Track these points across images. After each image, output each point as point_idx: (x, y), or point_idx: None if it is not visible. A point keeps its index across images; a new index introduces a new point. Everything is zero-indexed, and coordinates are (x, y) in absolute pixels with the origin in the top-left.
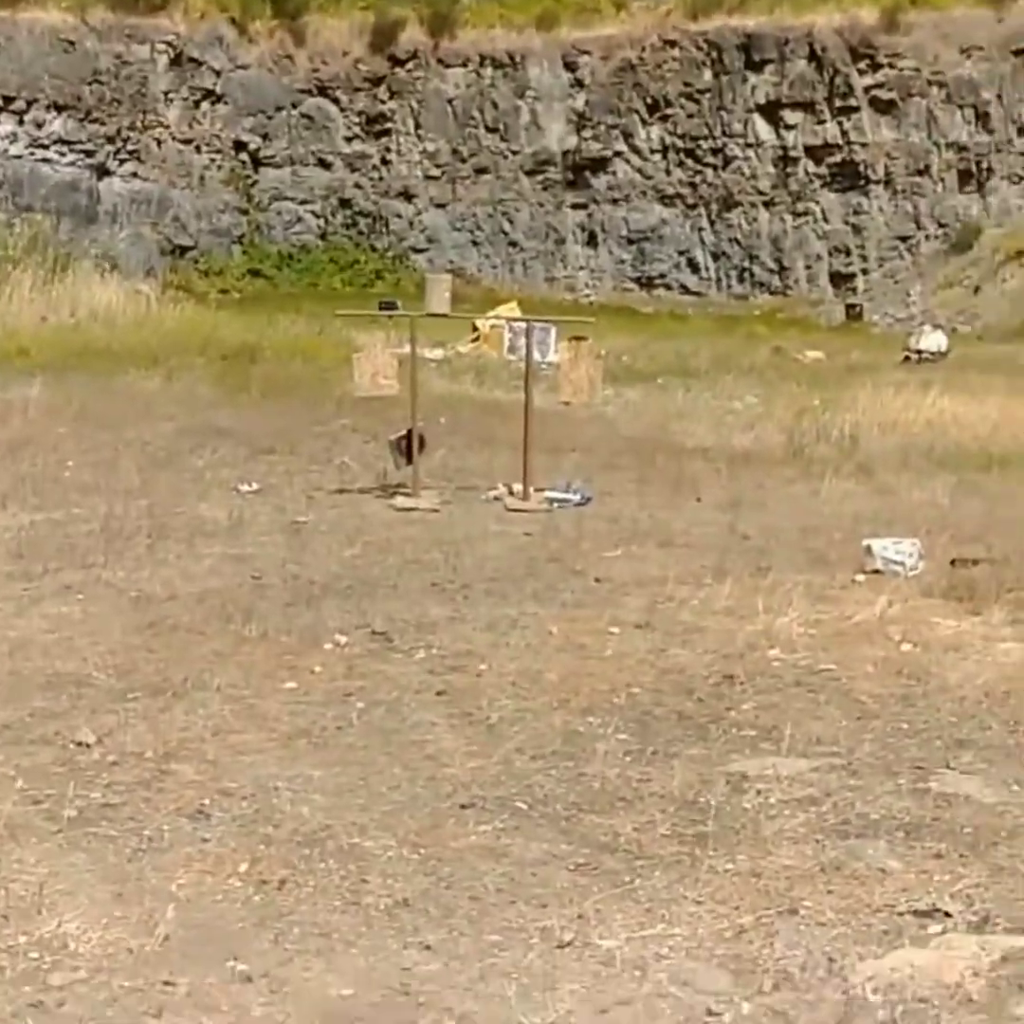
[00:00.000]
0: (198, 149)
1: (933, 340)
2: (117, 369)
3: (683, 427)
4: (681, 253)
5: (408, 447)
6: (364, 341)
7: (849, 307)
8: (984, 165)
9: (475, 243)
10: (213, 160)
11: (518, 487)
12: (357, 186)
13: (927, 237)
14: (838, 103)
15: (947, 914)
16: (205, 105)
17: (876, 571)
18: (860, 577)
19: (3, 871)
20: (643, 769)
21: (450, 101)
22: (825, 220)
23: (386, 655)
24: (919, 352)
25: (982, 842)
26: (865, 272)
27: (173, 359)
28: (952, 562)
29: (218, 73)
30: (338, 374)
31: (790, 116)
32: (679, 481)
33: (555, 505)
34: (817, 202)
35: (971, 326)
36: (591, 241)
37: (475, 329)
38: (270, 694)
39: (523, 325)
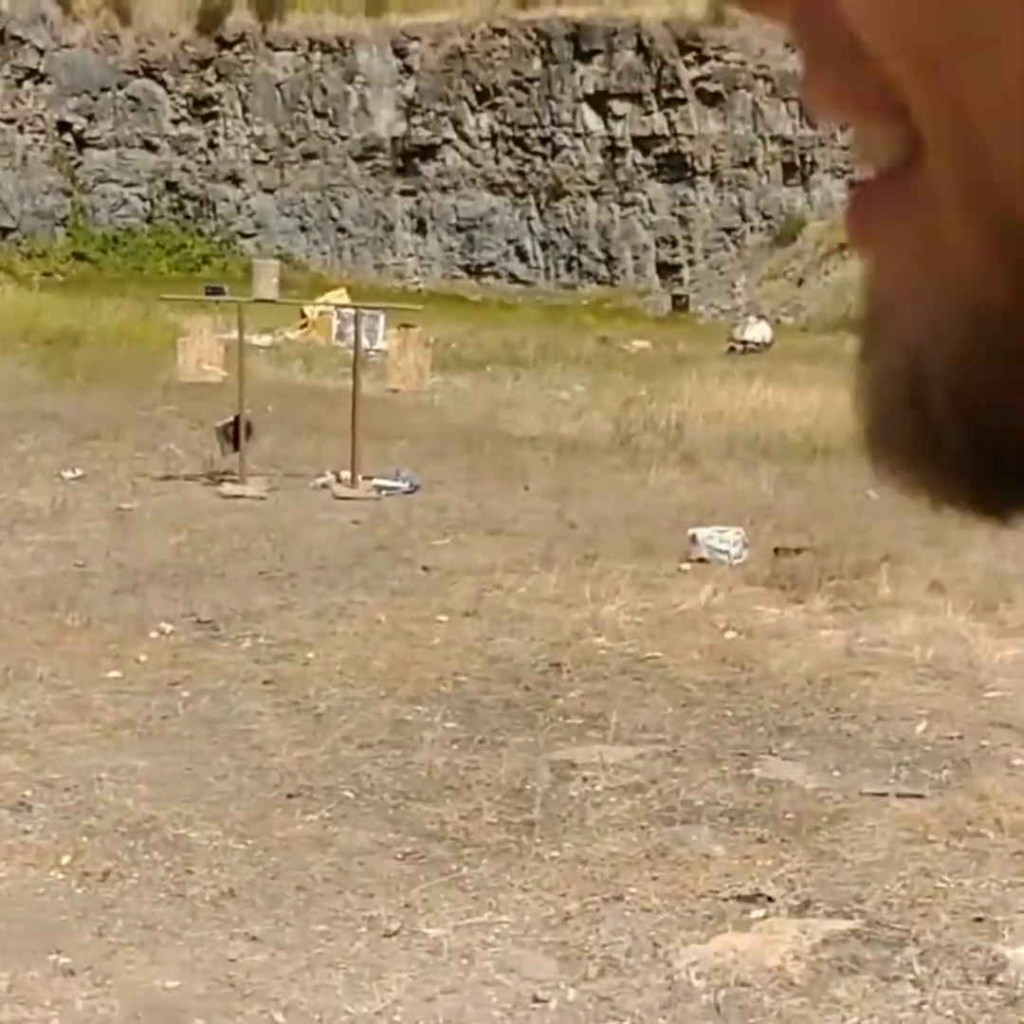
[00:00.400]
0: (21, 129)
1: (758, 331)
2: None
3: (511, 416)
4: (510, 242)
5: (235, 434)
6: (190, 326)
7: (675, 297)
8: (808, 159)
9: (303, 229)
10: (36, 140)
11: (346, 474)
12: (184, 169)
13: (752, 229)
14: (665, 95)
15: (769, 899)
16: (28, 84)
17: (701, 560)
18: (685, 566)
19: None
20: (470, 757)
21: (278, 85)
22: (652, 211)
23: (212, 644)
24: (744, 343)
25: (804, 827)
26: (691, 263)
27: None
28: (776, 551)
29: (41, 52)
30: (164, 359)
31: (618, 107)
32: (508, 469)
33: (383, 493)
34: (644, 193)
35: (795, 317)
36: (420, 228)
37: (303, 316)
38: (94, 684)
39: (351, 312)
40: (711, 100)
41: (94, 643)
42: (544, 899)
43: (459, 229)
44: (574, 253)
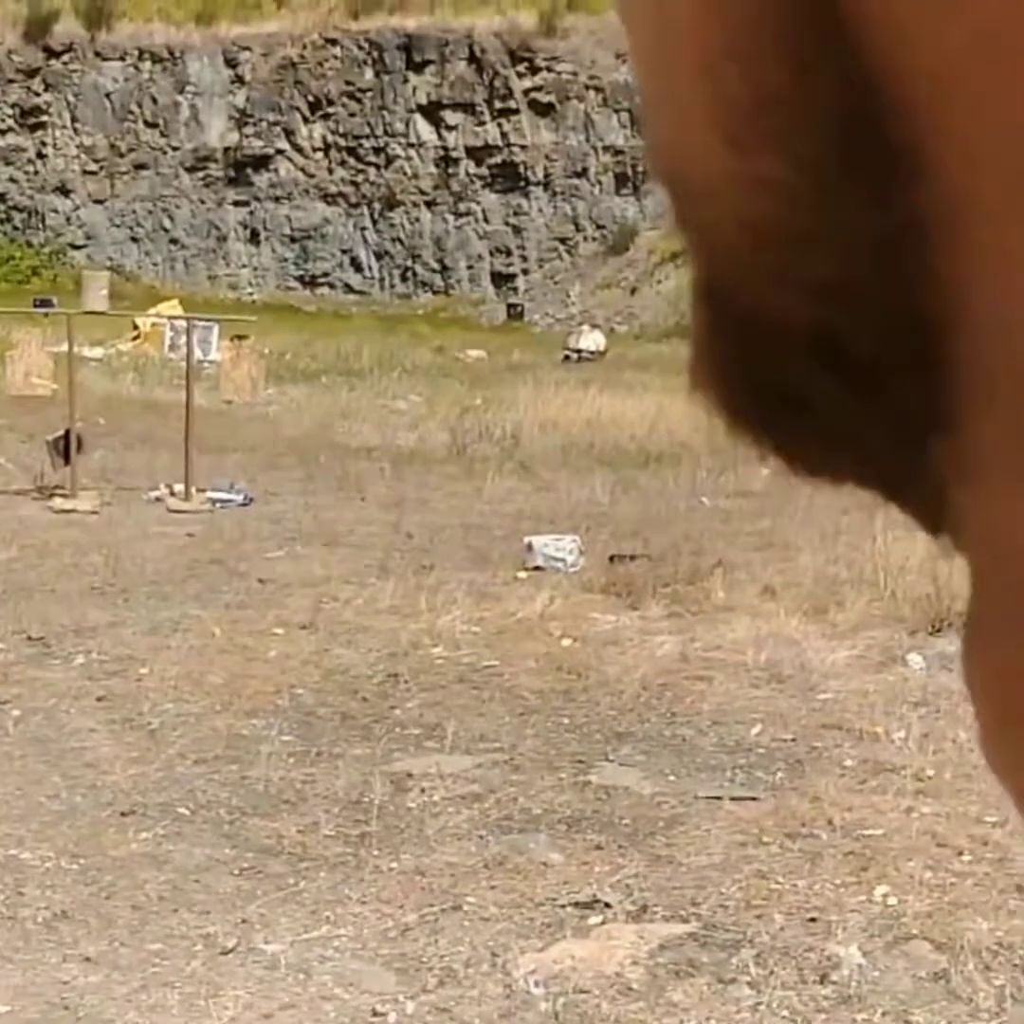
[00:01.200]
0: None
1: (591, 339)
2: None
3: (347, 426)
4: (344, 252)
5: (66, 447)
6: (18, 339)
7: (510, 307)
8: (640, 168)
9: (135, 240)
10: None
11: (180, 487)
12: (12, 180)
13: (585, 238)
14: (498, 105)
15: (607, 905)
16: None
17: (537, 568)
18: (522, 574)
19: None
20: (307, 771)
21: (108, 95)
22: (486, 221)
23: (43, 661)
24: (578, 351)
25: (640, 832)
26: (526, 272)
27: None
28: (611, 558)
29: None
30: None
31: (451, 117)
32: (344, 480)
33: (218, 505)
34: (478, 203)
35: (628, 326)
36: (253, 239)
37: (136, 327)
38: None
39: (184, 324)
40: (543, 111)
41: None
42: (382, 911)
43: (293, 240)
44: (409, 263)
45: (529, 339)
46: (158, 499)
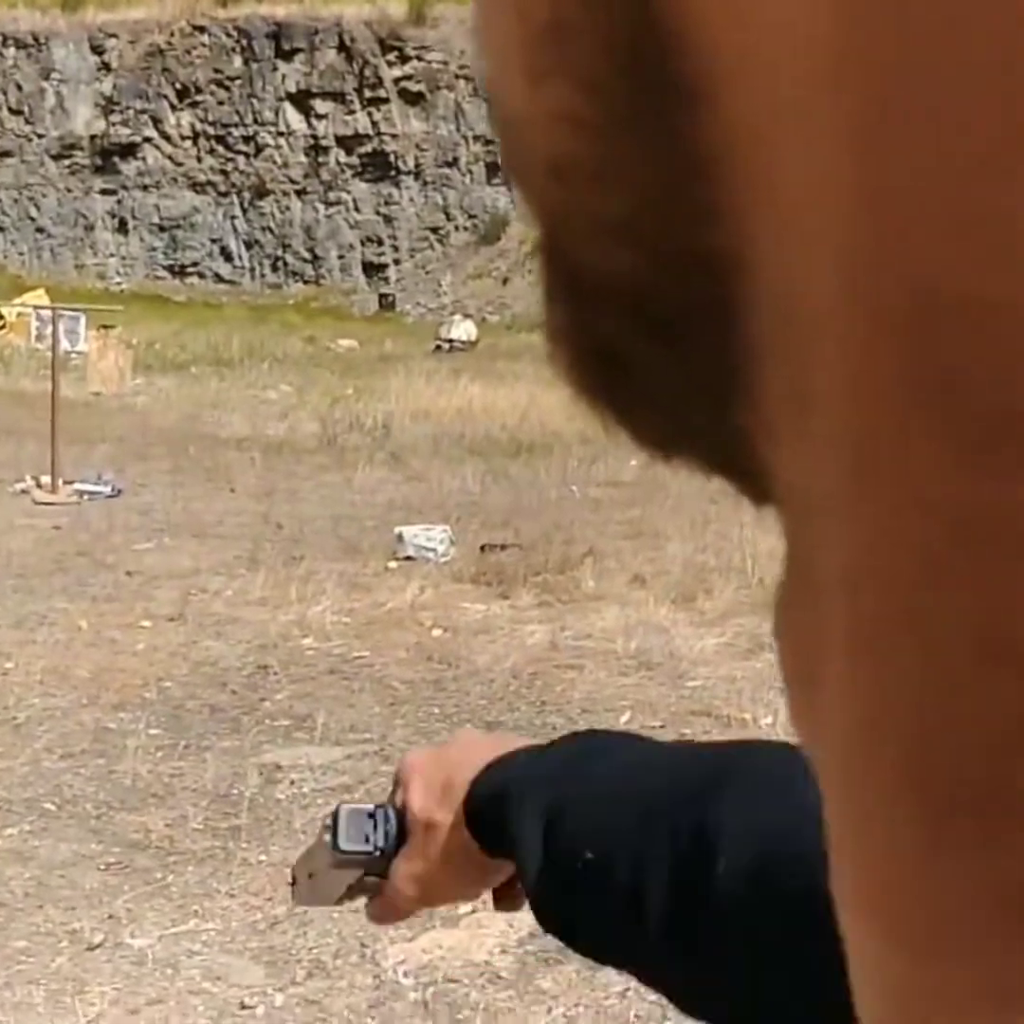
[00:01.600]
0: None
1: (463, 329)
2: None
3: (217, 417)
4: (214, 241)
5: None
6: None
7: (382, 297)
8: None
9: (0, 229)
10: None
11: (46, 479)
12: None
13: (457, 228)
14: (368, 94)
15: None
16: None
17: (408, 558)
18: (393, 564)
19: None
20: (175, 764)
21: None
22: (357, 210)
23: None
24: (450, 341)
25: None
26: (397, 262)
27: None
28: (482, 548)
29: None
30: None
31: (321, 105)
32: (213, 471)
33: (85, 497)
34: (349, 192)
35: (500, 316)
36: (121, 228)
37: (1, 317)
38: None
39: (50, 313)
40: (413, 99)
41: None
42: (251, 904)
43: (161, 229)
44: (279, 252)
45: (401, 329)
46: (24, 491)
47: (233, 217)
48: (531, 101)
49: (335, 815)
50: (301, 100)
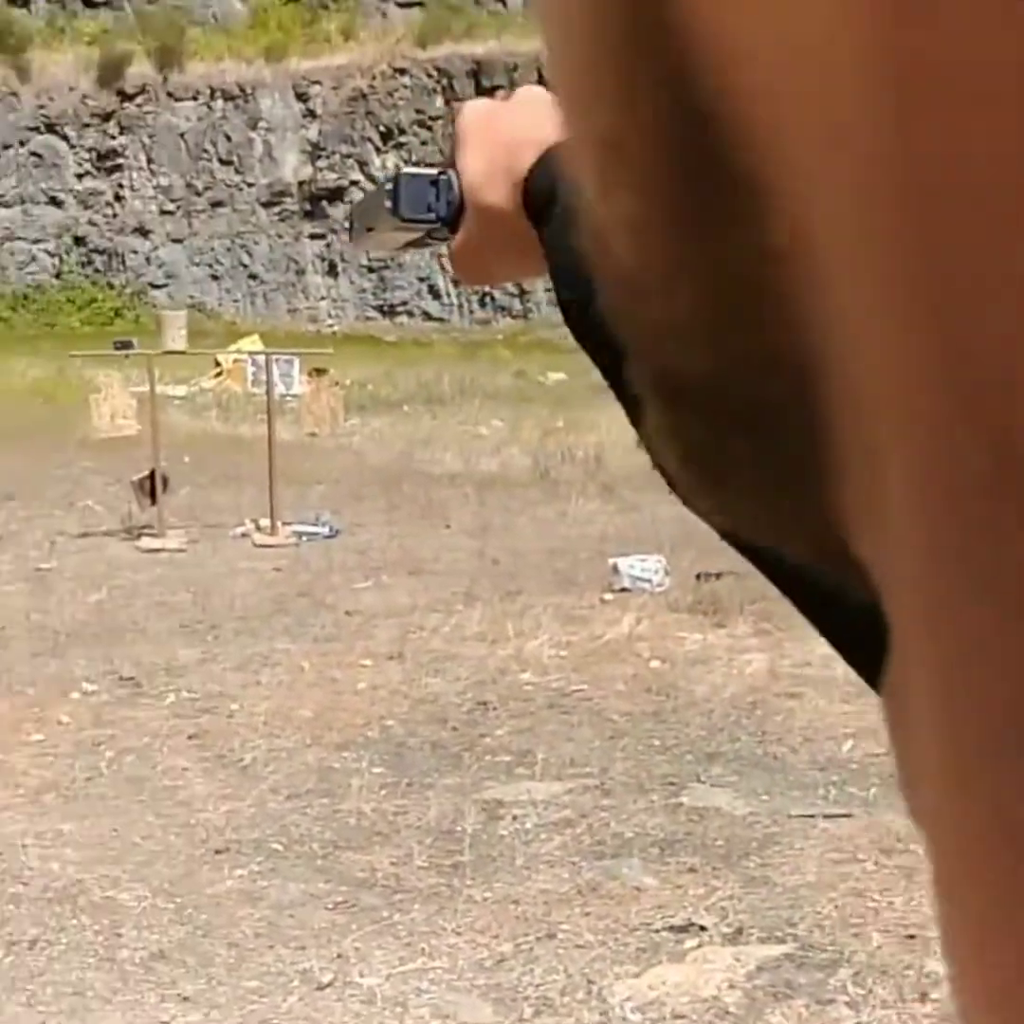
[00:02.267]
0: None
1: None
2: None
3: (430, 454)
4: (422, 280)
5: (151, 487)
6: (102, 382)
7: None
8: None
9: (214, 277)
10: None
11: (265, 522)
12: (91, 223)
13: None
14: None
15: (702, 928)
16: None
17: (624, 589)
18: (608, 596)
19: None
20: (398, 802)
21: (182, 135)
22: None
23: (135, 701)
24: None
25: (734, 854)
26: None
27: None
28: (697, 577)
29: None
30: (77, 416)
31: None
32: (428, 508)
33: (303, 539)
34: None
35: None
36: (331, 271)
37: (218, 364)
38: (15, 748)
39: (264, 358)
40: None
41: (15, 707)
42: (477, 941)
43: (370, 270)
44: (487, 289)
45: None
46: (244, 535)
47: (440, 256)
48: (603, 214)
49: (396, 179)
50: None
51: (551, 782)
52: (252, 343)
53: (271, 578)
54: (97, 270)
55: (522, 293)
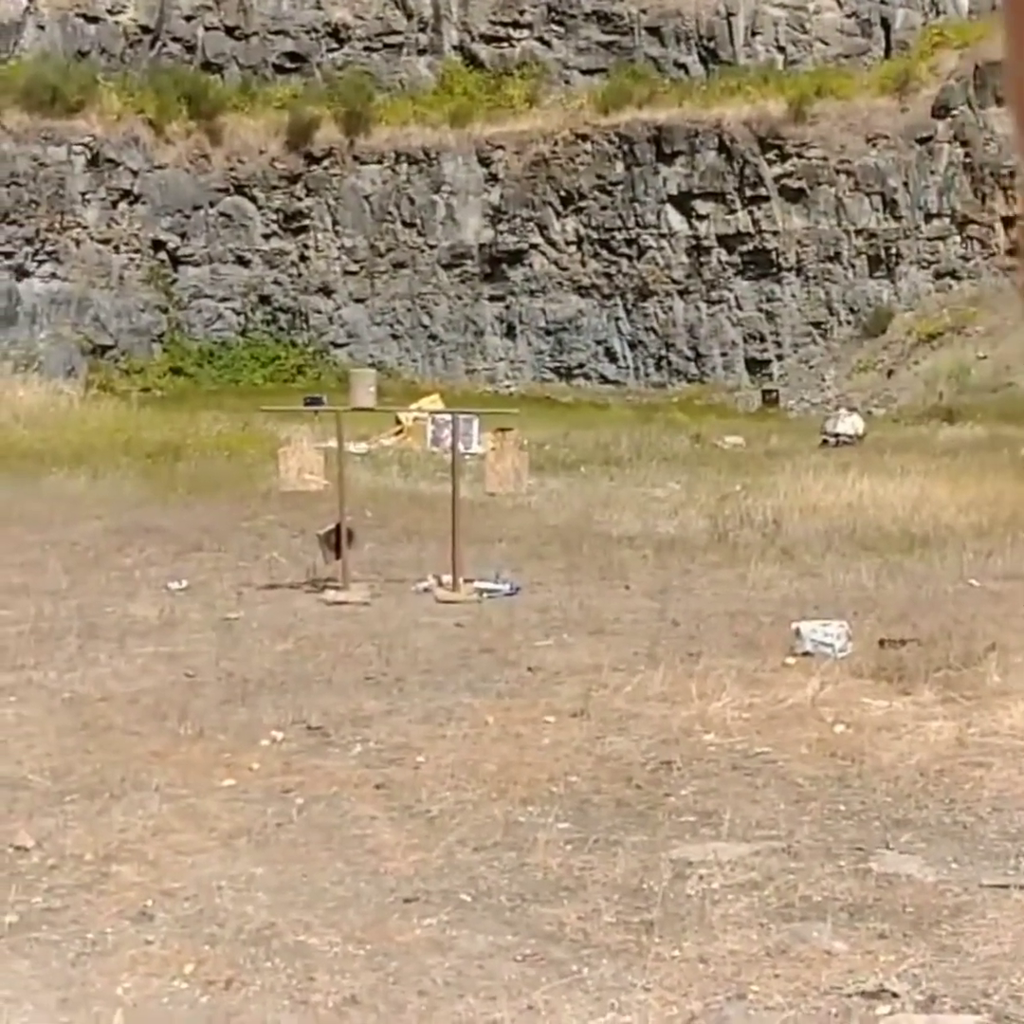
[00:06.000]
0: (117, 249)
1: (849, 424)
2: (41, 469)
3: (608, 515)
4: (598, 343)
5: (337, 541)
6: (288, 436)
7: (765, 393)
8: (893, 251)
9: (395, 337)
10: (132, 259)
11: (447, 578)
12: (276, 282)
13: (840, 322)
14: (749, 193)
15: (894, 994)
16: (123, 205)
17: (806, 653)
18: (790, 660)
19: None
20: (585, 858)
21: (366, 197)
22: (739, 307)
23: (323, 750)
24: (836, 436)
25: (925, 921)
26: (780, 357)
27: (97, 458)
28: (881, 643)
29: (135, 173)
30: (263, 470)
31: (702, 206)
32: (607, 569)
33: (485, 595)
34: (731, 290)
35: (886, 409)
36: (509, 332)
37: (398, 422)
38: (208, 793)
39: (447, 417)
40: (794, 196)
41: (207, 752)
42: (667, 999)
43: (548, 332)
44: (662, 352)
45: (785, 424)
46: (426, 590)
47: (617, 319)
48: None
49: None
50: (682, 201)
51: (737, 843)
52: (433, 402)
53: (453, 633)
54: (281, 328)
55: (698, 357)
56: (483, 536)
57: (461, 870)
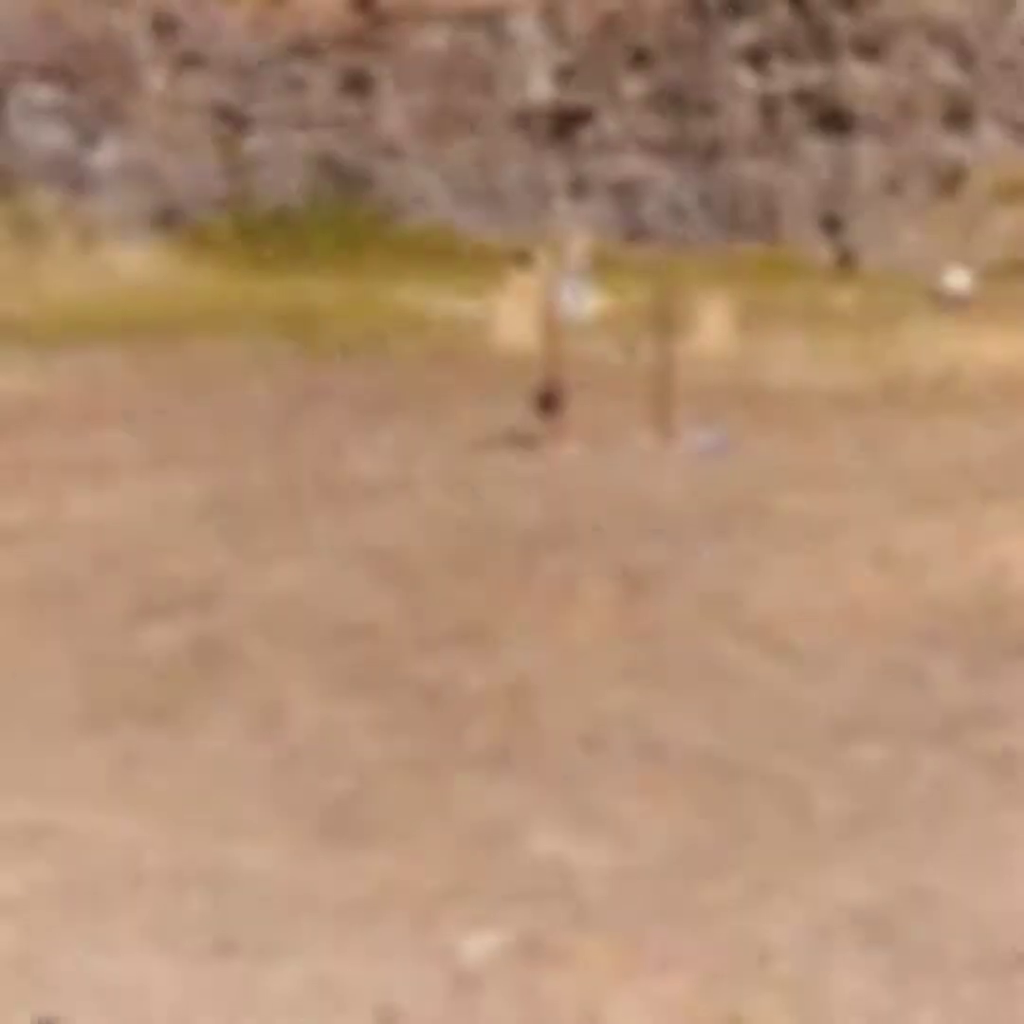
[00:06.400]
0: (182, 114)
1: (960, 280)
2: (178, 336)
3: (759, 373)
4: (669, 204)
5: (549, 400)
6: (507, 298)
7: (841, 252)
8: (970, 107)
9: (463, 199)
10: (197, 124)
11: (654, 435)
12: (342, 145)
13: (916, 180)
14: (822, 48)
15: None
16: (187, 70)
17: None
18: None
19: (461, 803)
20: (986, 688)
21: (432, 58)
22: (813, 165)
23: (649, 596)
24: (948, 292)
25: None
26: (855, 216)
27: (224, 323)
28: None
29: (200, 37)
30: (397, 332)
31: (774, 63)
32: (797, 423)
33: (696, 450)
34: (803, 148)
35: (972, 267)
36: (578, 193)
37: (510, 283)
38: (567, 635)
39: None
40: (869, 52)
41: (556, 598)
42: None
43: (617, 193)
44: (735, 212)
45: (866, 283)
46: (636, 447)
47: (687, 179)
48: None
49: None
50: (754, 58)
51: None
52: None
53: (695, 486)
54: (348, 192)
55: (770, 216)
56: (655, 394)
57: (870, 702)
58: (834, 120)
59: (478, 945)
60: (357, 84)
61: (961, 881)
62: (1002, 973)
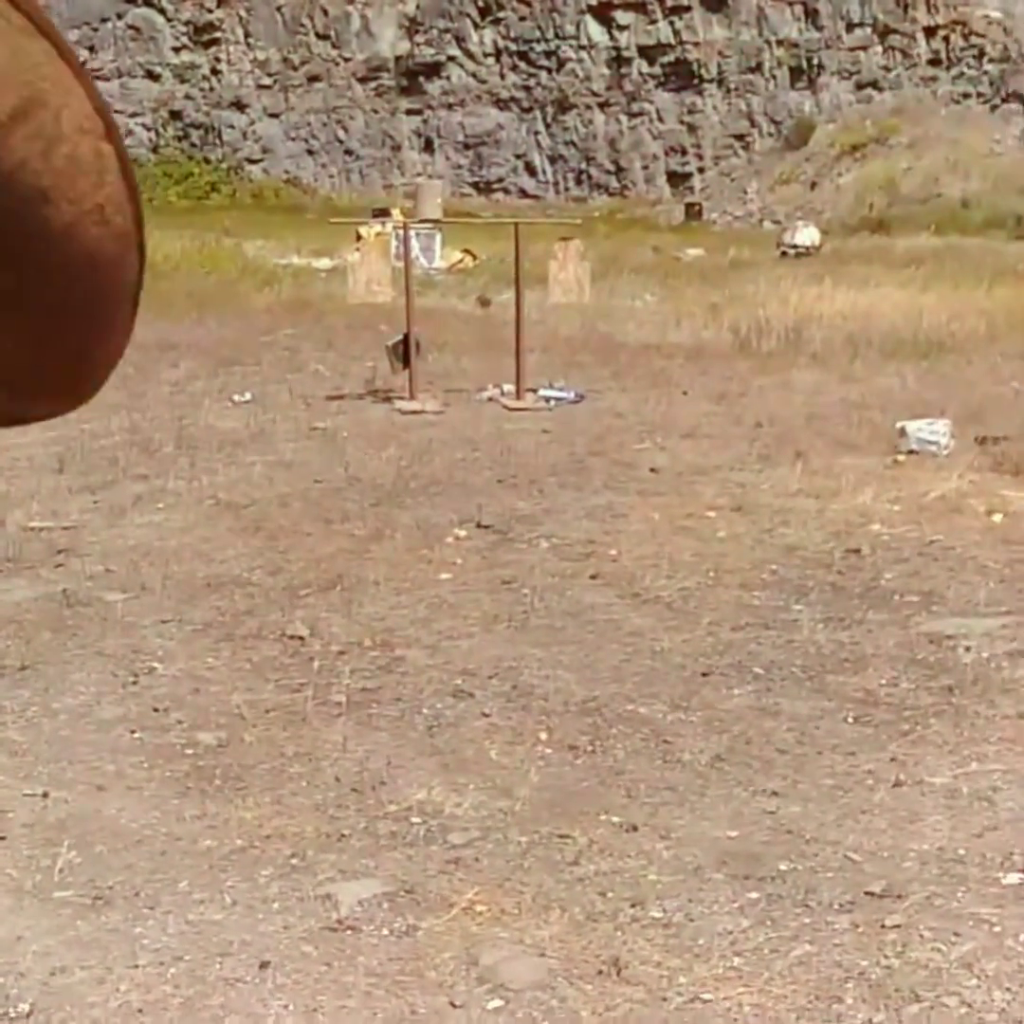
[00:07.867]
0: None
1: (807, 235)
2: None
3: (612, 326)
4: (518, 157)
5: (406, 351)
6: (360, 250)
7: (688, 206)
8: (815, 61)
9: (310, 152)
10: None
11: (509, 387)
12: (188, 97)
13: (761, 134)
14: (670, 3)
15: None
16: None
17: (910, 452)
18: (901, 457)
19: (330, 752)
20: (846, 633)
21: (279, 9)
22: (660, 120)
23: (510, 546)
24: (795, 246)
25: None
26: (702, 171)
27: None
28: (979, 440)
29: None
30: (246, 285)
31: (622, 17)
32: (655, 376)
33: (551, 403)
34: (651, 102)
35: (813, 221)
36: (428, 147)
37: (359, 238)
38: (432, 585)
39: (416, 231)
40: (715, 6)
41: (398, 550)
42: (1015, 749)
43: (466, 146)
44: (583, 166)
45: (710, 237)
46: (490, 400)
47: (536, 132)
48: None
49: None
50: (602, 12)
51: (980, 618)
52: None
53: (548, 438)
54: (193, 144)
55: (619, 170)
56: (507, 347)
57: (734, 648)
58: (682, 75)
59: (354, 893)
60: (203, 35)
61: (826, 820)
62: (870, 908)
